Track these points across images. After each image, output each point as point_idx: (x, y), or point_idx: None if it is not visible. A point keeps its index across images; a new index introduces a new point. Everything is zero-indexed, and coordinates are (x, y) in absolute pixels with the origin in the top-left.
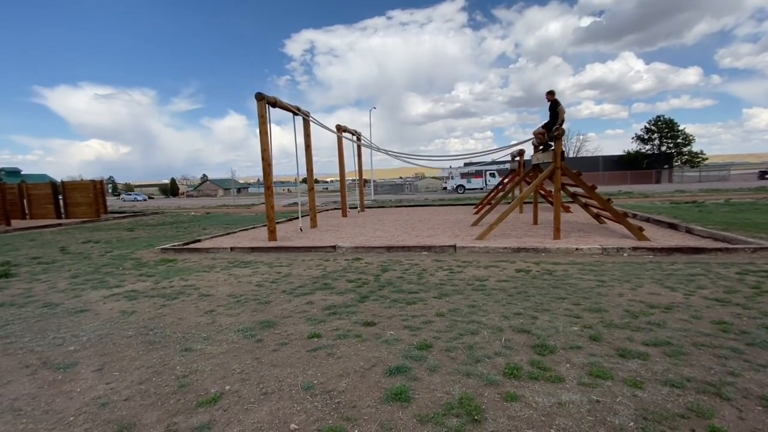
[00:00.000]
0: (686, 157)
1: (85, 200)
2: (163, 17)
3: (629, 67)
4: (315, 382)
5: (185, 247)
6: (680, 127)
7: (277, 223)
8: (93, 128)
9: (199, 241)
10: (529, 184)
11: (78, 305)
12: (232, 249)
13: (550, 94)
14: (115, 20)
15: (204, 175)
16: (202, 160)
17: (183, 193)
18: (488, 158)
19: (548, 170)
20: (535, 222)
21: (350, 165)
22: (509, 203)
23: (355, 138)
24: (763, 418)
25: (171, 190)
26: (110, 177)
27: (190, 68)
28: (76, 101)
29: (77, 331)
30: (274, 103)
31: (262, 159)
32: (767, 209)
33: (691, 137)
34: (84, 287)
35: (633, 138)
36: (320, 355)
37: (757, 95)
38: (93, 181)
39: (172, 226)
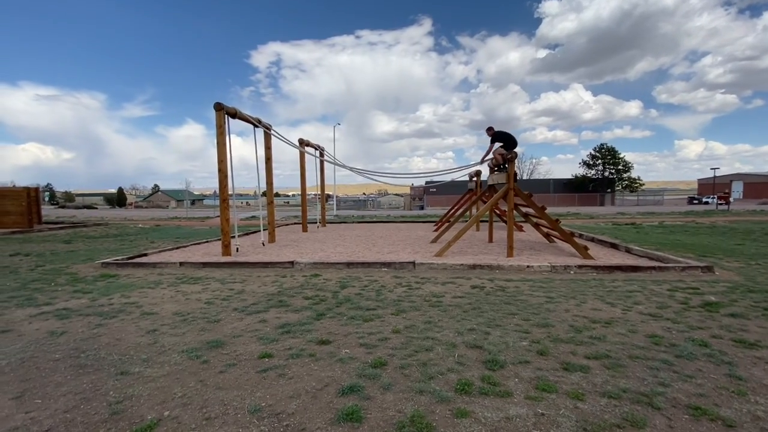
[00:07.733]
0: (626, 182)
1: (16, 209)
2: (116, 15)
3: (580, 98)
4: (263, 404)
5: (129, 261)
6: (621, 155)
7: (233, 237)
8: (32, 131)
9: (145, 255)
10: (485, 203)
11: None
12: (181, 264)
13: (489, 130)
14: (63, 16)
15: (155, 185)
16: (155, 170)
17: (131, 204)
18: (448, 178)
19: (502, 191)
20: (491, 240)
21: (313, 180)
22: (466, 221)
23: (318, 153)
24: (689, 426)
25: (118, 200)
26: (48, 184)
27: (145, 72)
28: (14, 101)
29: None
30: (234, 114)
31: (219, 171)
32: (694, 231)
33: (630, 164)
34: (7, 305)
35: (580, 163)
36: (270, 376)
37: (688, 129)
38: (27, 188)
39: (116, 238)
